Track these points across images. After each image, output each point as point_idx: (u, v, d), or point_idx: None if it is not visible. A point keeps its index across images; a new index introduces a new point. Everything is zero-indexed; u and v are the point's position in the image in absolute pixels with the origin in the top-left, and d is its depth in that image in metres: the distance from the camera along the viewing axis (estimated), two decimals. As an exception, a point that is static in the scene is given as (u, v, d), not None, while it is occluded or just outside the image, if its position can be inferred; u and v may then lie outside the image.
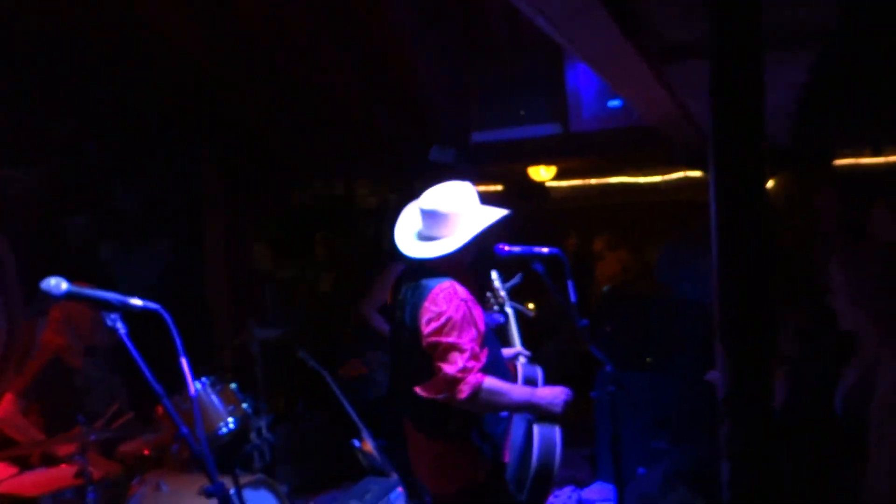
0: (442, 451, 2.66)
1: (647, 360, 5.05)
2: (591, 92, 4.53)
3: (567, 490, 4.97)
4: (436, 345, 2.49)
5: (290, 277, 7.07)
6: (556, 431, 2.63)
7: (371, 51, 4.58)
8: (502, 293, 3.07)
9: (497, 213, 2.71)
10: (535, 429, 2.61)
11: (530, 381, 2.82)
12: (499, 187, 10.04)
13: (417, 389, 2.56)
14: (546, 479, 2.58)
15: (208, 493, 1.64)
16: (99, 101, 4.85)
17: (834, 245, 3.47)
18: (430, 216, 2.67)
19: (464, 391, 2.44)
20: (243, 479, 3.44)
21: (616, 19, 1.50)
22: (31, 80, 4.43)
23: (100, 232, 4.89)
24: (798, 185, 5.28)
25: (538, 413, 2.70)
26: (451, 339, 2.47)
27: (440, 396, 2.50)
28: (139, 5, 4.24)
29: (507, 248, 3.04)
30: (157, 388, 1.69)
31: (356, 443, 4.45)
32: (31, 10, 4.28)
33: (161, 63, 4.81)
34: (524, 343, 3.21)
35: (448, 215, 2.65)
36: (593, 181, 10.01)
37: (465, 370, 2.45)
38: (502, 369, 2.76)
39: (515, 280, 3.10)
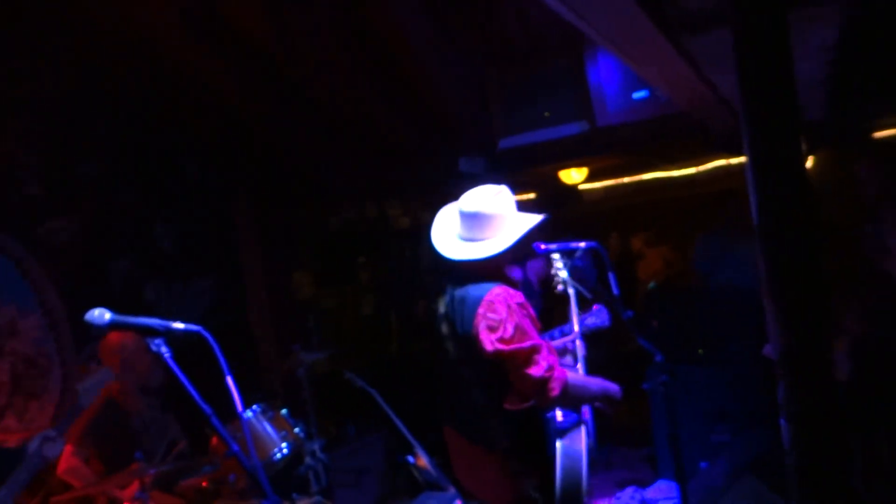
0: (497, 463, 2.61)
1: (699, 351, 4.94)
2: (615, 85, 4.48)
3: (629, 491, 4.87)
4: (513, 352, 2.42)
5: (332, 303, 7.13)
6: (581, 446, 2.57)
7: (390, 68, 4.60)
8: (563, 273, 3.01)
9: (537, 216, 2.70)
10: (559, 444, 2.55)
11: None
12: (531, 195, 10.00)
13: (506, 405, 2.50)
14: (574, 498, 2.51)
15: (264, 508, 1.63)
16: (132, 143, 4.98)
17: (881, 215, 3.36)
18: (472, 218, 2.63)
19: (555, 389, 2.41)
20: (301, 503, 3.44)
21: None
22: (68, 129, 4.56)
23: (143, 273, 4.99)
24: (838, 161, 5.14)
25: (609, 401, 2.72)
26: (527, 344, 2.42)
27: (530, 402, 2.47)
28: (167, 44, 4.34)
29: (543, 245, 3.01)
30: (205, 407, 1.70)
31: (410, 459, 4.42)
32: (67, 58, 4.43)
33: (189, 100, 4.91)
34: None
35: (492, 216, 2.60)
36: (626, 179, 9.89)
37: (550, 369, 2.43)
38: None
39: (578, 259, 3.03)
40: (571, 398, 2.51)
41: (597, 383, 2.70)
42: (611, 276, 2.92)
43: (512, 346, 2.41)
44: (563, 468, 2.51)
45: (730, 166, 8.77)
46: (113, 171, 4.83)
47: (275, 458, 3.59)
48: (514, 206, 2.69)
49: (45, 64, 4.38)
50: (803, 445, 1.06)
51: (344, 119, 5.02)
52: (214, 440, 3.55)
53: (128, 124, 4.96)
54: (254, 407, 3.62)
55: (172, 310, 5.07)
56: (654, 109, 4.44)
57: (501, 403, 2.50)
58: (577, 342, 2.94)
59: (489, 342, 2.45)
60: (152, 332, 1.79)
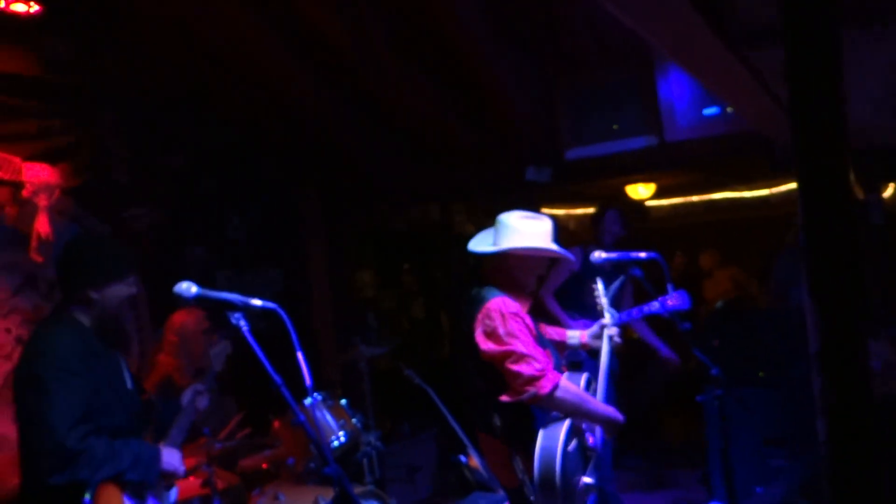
0: (497, 449, 2.88)
1: (760, 374, 4.86)
2: (686, 100, 4.48)
3: (681, 511, 4.82)
4: (503, 353, 2.66)
5: (392, 303, 7.28)
6: (559, 439, 2.67)
7: (460, 75, 4.70)
8: (604, 300, 3.09)
9: (550, 247, 2.88)
10: (539, 437, 2.70)
11: None
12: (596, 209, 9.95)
13: (503, 397, 2.71)
14: (551, 487, 2.63)
15: (325, 475, 1.74)
16: (213, 138, 5.23)
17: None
18: (497, 226, 2.93)
19: (545, 386, 2.61)
20: (355, 490, 3.55)
21: (695, 5, 1.52)
22: (156, 123, 4.84)
23: (216, 261, 5.23)
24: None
25: (611, 426, 2.85)
26: (517, 346, 2.65)
27: (525, 396, 2.65)
28: (251, 49, 4.56)
29: (602, 254, 3.07)
30: (276, 378, 1.82)
31: (462, 458, 4.49)
32: (158, 58, 4.70)
33: (267, 100, 5.13)
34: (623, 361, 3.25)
35: (507, 227, 2.88)
36: (695, 198, 9.75)
37: (542, 368, 2.63)
38: None
39: (616, 285, 3.11)
40: (562, 402, 2.68)
41: (600, 405, 2.84)
42: (670, 288, 2.95)
43: (502, 348, 2.66)
44: (541, 453, 2.67)
45: (803, 189, 8.56)
46: (194, 164, 5.10)
47: (332, 445, 3.72)
48: (543, 233, 2.88)
49: (139, 62, 4.67)
50: (837, 438, 1.10)
51: (413, 122, 5.15)
52: (276, 423, 3.71)
53: (210, 121, 5.23)
54: (315, 394, 3.75)
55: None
56: (724, 126, 4.42)
57: (498, 394, 2.72)
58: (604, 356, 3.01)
59: (483, 345, 2.72)
60: (232, 306, 1.95)
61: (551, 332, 3.29)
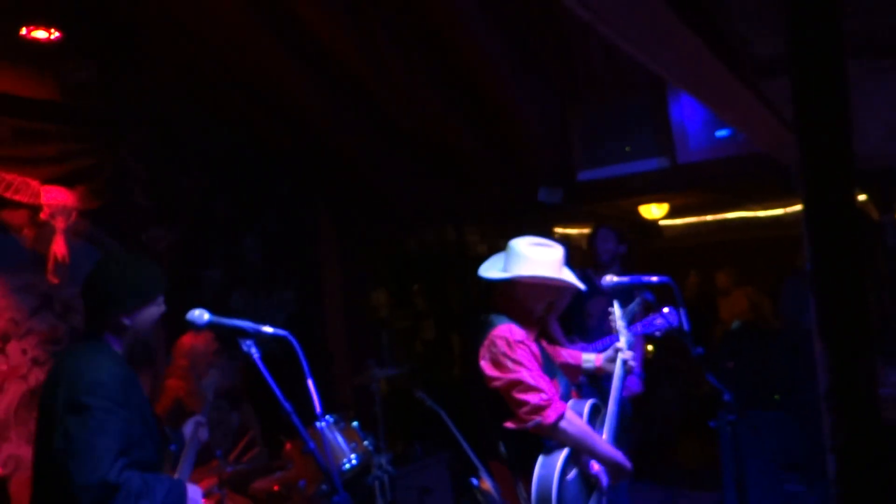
0: (506, 476, 2.85)
1: (776, 397, 4.82)
2: (698, 123, 4.49)
3: (695, 534, 4.76)
4: (510, 382, 2.67)
5: (406, 324, 7.28)
6: (556, 467, 2.66)
7: (474, 96, 4.74)
8: (620, 322, 3.08)
9: (564, 275, 2.88)
10: (537, 465, 2.70)
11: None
12: (610, 228, 9.94)
13: (508, 424, 2.72)
14: None
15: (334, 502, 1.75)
16: (230, 159, 5.30)
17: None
18: (508, 252, 2.93)
19: (550, 416, 2.61)
20: (366, 513, 3.55)
21: (702, 37, 1.54)
22: (175, 144, 4.91)
23: (231, 282, 5.27)
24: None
25: (615, 471, 2.80)
26: (523, 375, 2.65)
27: (529, 425, 2.65)
28: (265, 68, 4.62)
29: (614, 279, 3.07)
30: (287, 405, 1.83)
31: (475, 482, 4.47)
32: (176, 80, 4.77)
33: (283, 121, 5.20)
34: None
35: (517, 254, 2.87)
36: (709, 217, 9.73)
37: (548, 399, 2.63)
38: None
39: (633, 307, 3.10)
40: (566, 434, 2.66)
41: (605, 446, 2.79)
42: (682, 312, 2.94)
43: (507, 376, 2.67)
44: (538, 481, 2.67)
45: (818, 209, 8.51)
46: (210, 185, 5.16)
47: (343, 468, 3.72)
48: (552, 260, 2.88)
49: (157, 84, 4.75)
50: (848, 477, 1.09)
51: (428, 143, 5.19)
52: (288, 445, 3.72)
53: (227, 141, 5.30)
54: (327, 417, 3.76)
55: (256, 318, 5.30)
56: (737, 148, 4.42)
57: (503, 421, 2.73)
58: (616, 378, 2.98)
59: (489, 372, 2.72)
60: (244, 333, 1.97)
61: (566, 355, 3.28)
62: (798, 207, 8.97)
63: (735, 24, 1.58)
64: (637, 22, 1.41)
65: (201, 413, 2.99)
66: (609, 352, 3.14)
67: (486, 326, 2.82)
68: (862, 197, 5.08)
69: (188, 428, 2.90)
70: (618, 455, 2.79)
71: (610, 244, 4.55)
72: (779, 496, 4.53)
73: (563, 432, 2.66)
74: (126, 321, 2.38)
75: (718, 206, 9.09)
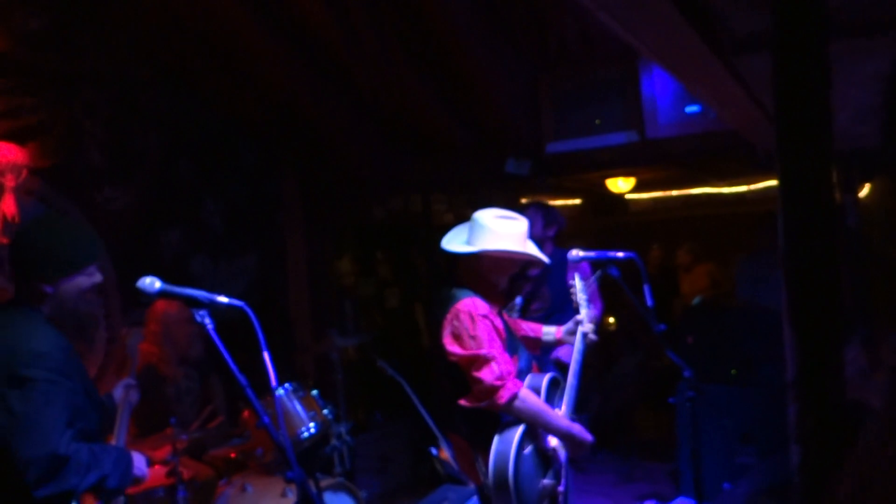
0: (465, 448, 2.90)
1: (732, 372, 4.89)
2: (668, 98, 4.47)
3: (648, 504, 4.86)
4: (469, 357, 2.66)
5: (370, 292, 7.24)
6: (512, 442, 2.68)
7: (445, 65, 4.66)
8: (581, 296, 3.07)
9: (528, 249, 2.86)
10: (494, 440, 2.72)
11: (534, 391, 2.87)
12: (577, 201, 9.98)
13: (461, 402, 2.75)
14: (504, 489, 2.66)
15: (288, 479, 1.71)
16: (191, 120, 5.13)
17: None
18: (472, 223, 2.90)
19: (503, 396, 2.62)
20: (324, 483, 3.53)
21: (681, 9, 1.49)
22: (132, 103, 4.73)
23: (191, 246, 5.14)
24: (891, 191, 5.03)
25: (573, 444, 2.81)
26: (482, 351, 2.64)
27: (483, 403, 2.67)
28: (230, 29, 4.47)
29: (580, 253, 3.05)
30: (241, 378, 1.78)
31: (433, 451, 4.49)
32: (135, 35, 4.59)
33: (249, 84, 5.04)
34: (601, 354, 3.25)
35: (482, 227, 2.84)
36: (675, 192, 9.81)
37: (502, 377, 2.63)
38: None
39: (592, 282, 3.10)
40: (520, 412, 2.67)
41: (561, 420, 2.78)
42: (646, 288, 2.94)
43: (467, 352, 2.65)
44: (495, 456, 2.70)
45: (781, 187, 8.62)
46: (171, 146, 5.00)
47: (302, 436, 3.68)
48: (518, 234, 2.86)
49: (114, 40, 4.56)
50: (811, 467, 1.08)
51: (396, 112, 5.10)
52: (246, 413, 3.67)
53: (190, 103, 5.13)
54: (286, 385, 3.71)
55: (216, 284, 5.22)
56: (706, 125, 4.42)
57: (460, 396, 2.74)
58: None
59: (449, 347, 2.71)
60: (198, 303, 1.89)
61: (526, 328, 3.28)
62: (761, 185, 9.10)
63: (714, -3, 1.55)
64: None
65: (129, 376, 2.90)
66: (569, 324, 3.14)
67: (450, 300, 2.80)
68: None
69: (118, 391, 2.83)
70: (574, 428, 2.79)
71: (537, 227, 4.34)
72: (731, 468, 4.62)
73: (518, 410, 2.67)
74: (48, 289, 2.25)
75: (684, 181, 9.16)
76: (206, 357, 4.48)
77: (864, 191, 5.62)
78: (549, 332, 3.24)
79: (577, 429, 2.80)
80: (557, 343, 3.25)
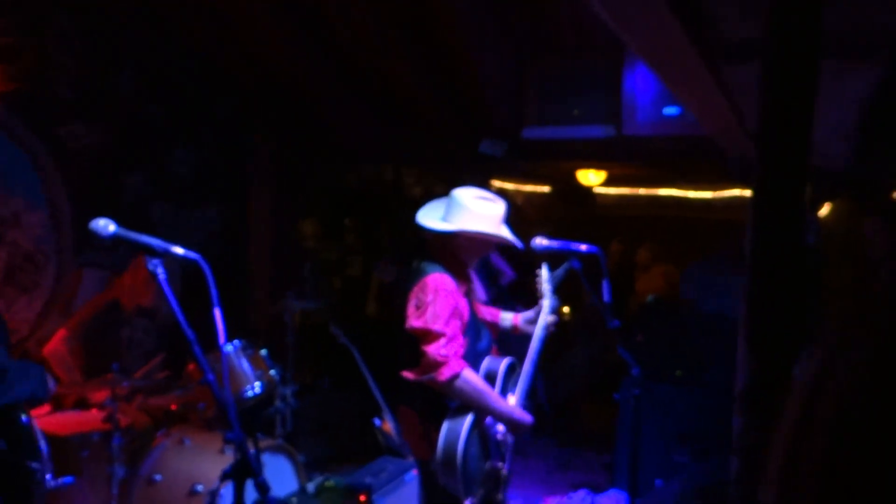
0: (415, 422, 2.88)
1: (678, 372, 4.98)
2: (648, 97, 4.48)
3: (581, 493, 4.94)
4: (422, 330, 2.66)
5: (331, 257, 7.18)
6: (465, 423, 2.71)
7: (434, 39, 4.59)
8: (546, 286, 3.08)
9: (503, 232, 2.87)
10: (446, 419, 2.74)
11: (490, 375, 2.89)
12: (546, 188, 10.01)
13: (404, 373, 2.76)
14: (451, 467, 2.68)
15: (227, 440, 1.69)
16: (169, 64, 4.98)
17: (882, 276, 3.38)
18: (450, 201, 2.89)
19: (444, 373, 2.62)
20: (263, 443, 3.51)
21: (676, 12, 1.48)
22: (101, 37, 4.57)
23: (154, 192, 5.02)
24: (851, 214, 5.14)
25: (514, 427, 2.82)
26: (436, 327, 2.64)
27: (424, 378, 2.67)
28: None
29: (545, 241, 3.05)
30: (189, 333, 1.74)
31: (377, 422, 4.49)
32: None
33: (230, 35, 4.91)
34: (554, 343, 3.26)
35: (461, 206, 2.83)
36: (642, 191, 9.90)
37: (446, 356, 2.63)
38: (476, 363, 2.89)
39: (560, 272, 3.10)
40: (461, 393, 2.68)
41: (502, 404, 2.79)
42: (605, 283, 2.96)
43: (422, 325, 2.66)
44: (446, 433, 2.71)
45: (745, 197, 8.75)
46: (144, 88, 4.85)
47: (246, 394, 3.65)
48: (494, 216, 2.86)
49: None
50: (749, 481, 1.10)
51: (379, 81, 5.02)
52: (191, 366, 3.62)
53: (167, 45, 4.98)
54: (235, 341, 3.67)
55: (175, 233, 5.11)
56: (681, 128, 4.45)
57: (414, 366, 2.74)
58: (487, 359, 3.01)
59: (410, 317, 2.71)
60: (152, 251, 1.84)
61: (485, 312, 3.28)
62: (727, 193, 9.22)
63: (709, 2, 1.53)
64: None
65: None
66: (529, 313, 3.15)
67: (419, 272, 2.79)
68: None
69: None
70: (514, 412, 2.81)
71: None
72: (666, 466, 4.72)
73: (458, 390, 2.67)
74: None
75: (653, 181, 9.24)
76: (157, 307, 4.41)
77: (824, 210, 5.73)
78: (507, 318, 3.25)
79: (518, 412, 2.82)
80: (514, 330, 3.26)
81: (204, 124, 5.43)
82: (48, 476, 2.45)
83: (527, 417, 2.83)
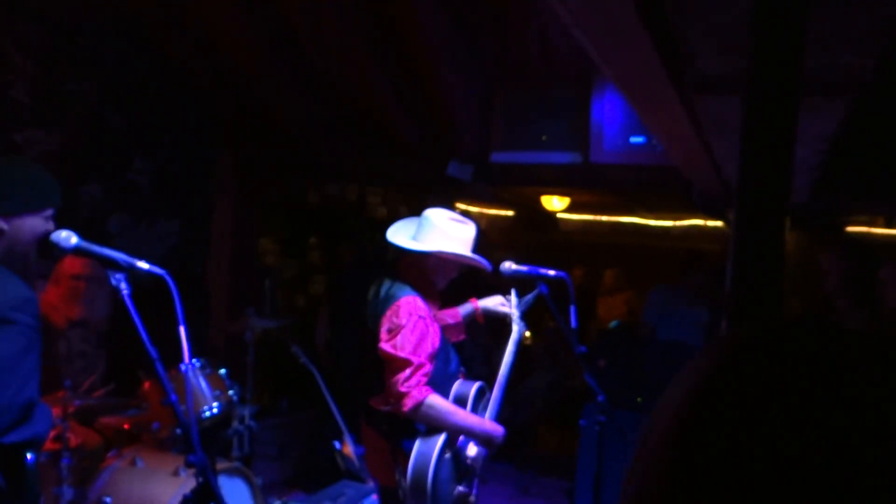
0: (380, 446, 2.85)
1: (638, 399, 5.01)
2: (616, 125, 4.54)
3: (543, 521, 4.92)
4: (392, 357, 2.64)
5: (291, 275, 7.09)
6: (435, 446, 2.70)
7: (403, 59, 4.60)
8: (515, 311, 3.09)
9: (474, 256, 2.88)
10: (417, 442, 2.72)
11: (460, 399, 2.88)
12: (510, 212, 10.07)
13: (371, 401, 2.75)
14: (421, 492, 2.66)
15: (188, 463, 1.63)
16: (127, 73, 4.89)
17: (836, 307, 3.45)
18: (423, 221, 2.89)
19: (407, 404, 2.61)
20: (220, 466, 3.42)
21: (655, 42, 1.50)
22: (68, 43, 4.47)
23: (112, 203, 4.90)
24: (807, 246, 5.27)
25: (478, 440, 2.80)
26: (404, 354, 2.62)
27: (387, 407, 2.67)
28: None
29: (513, 266, 3.05)
30: (152, 351, 1.68)
31: (337, 445, 4.42)
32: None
33: (197, 45, 4.85)
34: (516, 367, 3.27)
35: (434, 226, 2.84)
36: (604, 218, 10.03)
37: (411, 385, 2.61)
38: (446, 387, 2.88)
39: (530, 298, 3.11)
40: (428, 418, 2.67)
41: (471, 421, 2.78)
42: (572, 309, 2.97)
43: (393, 352, 2.64)
44: (416, 457, 2.69)
45: (704, 227, 8.93)
46: (105, 95, 4.74)
47: (203, 415, 3.56)
48: (466, 240, 2.88)
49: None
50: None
51: (347, 99, 5.00)
52: (147, 384, 3.51)
53: (130, 52, 4.89)
54: (193, 360, 3.58)
55: (133, 246, 4.98)
56: (647, 157, 4.51)
57: (379, 393, 2.73)
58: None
59: (383, 341, 2.69)
60: (115, 265, 1.77)
61: (446, 315, 3.25)
62: (686, 222, 9.39)
63: (688, 34, 1.55)
64: (595, 7, 1.35)
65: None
66: (487, 301, 3.19)
67: (391, 296, 2.77)
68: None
69: None
70: (485, 425, 2.80)
71: None
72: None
73: (424, 416, 2.66)
74: (3, 224, 2.09)
75: (615, 208, 9.37)
76: (106, 322, 4.30)
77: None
78: (466, 307, 3.27)
79: (490, 424, 2.82)
80: (475, 314, 3.27)
81: (165, 134, 5.33)
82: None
83: (499, 429, 2.82)
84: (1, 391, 1.88)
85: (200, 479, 1.62)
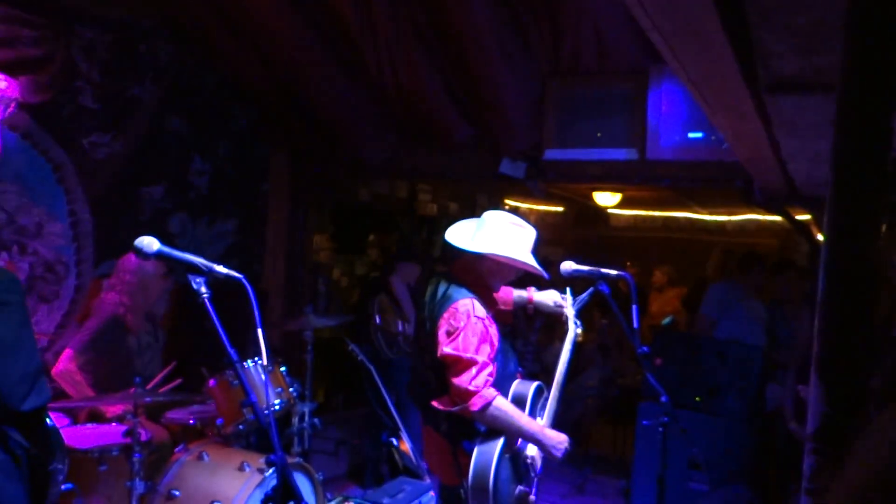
0: (441, 447, 2.84)
1: (697, 399, 4.93)
2: (673, 120, 4.47)
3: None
4: (454, 358, 2.64)
5: (344, 273, 7.18)
6: (496, 447, 2.69)
7: (456, 58, 4.60)
8: (570, 310, 3.08)
9: (530, 262, 2.84)
10: (477, 443, 2.72)
11: (519, 399, 2.86)
12: (560, 208, 10.00)
13: (434, 403, 2.72)
14: (483, 492, 2.65)
15: (269, 462, 1.67)
16: (185, 76, 5.01)
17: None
18: (483, 223, 2.89)
19: (476, 404, 2.60)
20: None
21: (732, 43, 1.47)
22: (131, 51, 4.60)
23: (173, 204, 5.03)
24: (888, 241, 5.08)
25: (542, 449, 2.79)
26: (468, 355, 2.62)
27: (455, 408, 2.65)
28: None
29: (573, 266, 3.04)
30: (233, 353, 1.73)
31: (394, 441, 4.47)
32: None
33: (255, 50, 4.93)
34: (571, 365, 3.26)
35: (493, 229, 2.84)
36: (657, 213, 9.89)
37: (479, 385, 2.61)
38: (505, 386, 2.87)
39: (585, 296, 3.09)
40: (494, 420, 2.66)
41: (535, 428, 2.76)
42: (634, 308, 2.94)
43: (455, 354, 2.63)
44: (478, 457, 2.68)
45: (762, 222, 8.72)
46: (165, 100, 4.87)
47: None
48: (524, 243, 2.87)
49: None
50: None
51: (399, 96, 5.03)
52: (212, 382, 3.60)
53: (188, 57, 5.01)
54: (256, 358, 3.66)
55: (193, 245, 5.12)
56: (706, 153, 4.43)
57: (442, 394, 2.72)
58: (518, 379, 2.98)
59: (443, 344, 2.68)
60: (196, 270, 1.83)
61: (498, 297, 3.21)
62: (741, 217, 9.19)
63: (764, 35, 1.52)
64: (674, 9, 1.33)
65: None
66: (548, 301, 3.17)
67: (448, 298, 2.77)
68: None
69: None
70: (548, 434, 2.78)
71: None
72: (683, 493, 4.66)
73: (490, 418, 2.65)
74: None
75: (667, 203, 9.23)
76: (168, 314, 4.45)
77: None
78: (521, 294, 3.26)
79: (553, 434, 2.79)
80: (529, 304, 3.26)
81: (223, 136, 5.45)
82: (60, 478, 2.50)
83: (563, 437, 2.80)
84: (15, 363, 2.07)
85: (280, 478, 1.67)
